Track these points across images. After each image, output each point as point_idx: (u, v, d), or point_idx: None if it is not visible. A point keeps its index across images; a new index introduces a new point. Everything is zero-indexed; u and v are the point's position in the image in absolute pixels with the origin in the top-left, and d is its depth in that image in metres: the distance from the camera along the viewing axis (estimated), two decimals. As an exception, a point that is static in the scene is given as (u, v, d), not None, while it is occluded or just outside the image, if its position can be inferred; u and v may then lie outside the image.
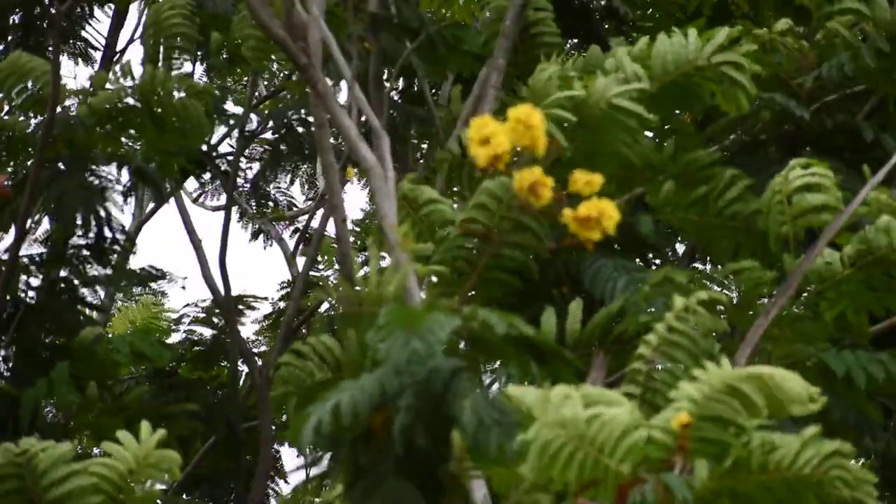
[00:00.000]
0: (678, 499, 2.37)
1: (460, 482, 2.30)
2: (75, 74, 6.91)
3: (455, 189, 5.37)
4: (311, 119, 7.18)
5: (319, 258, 8.97)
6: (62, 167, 5.87)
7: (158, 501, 3.43)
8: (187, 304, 7.91)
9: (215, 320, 7.71)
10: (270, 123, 7.59)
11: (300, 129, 7.56)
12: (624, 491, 2.42)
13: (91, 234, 6.04)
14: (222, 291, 7.15)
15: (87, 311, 6.36)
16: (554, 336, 3.57)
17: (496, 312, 2.04)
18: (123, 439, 3.05)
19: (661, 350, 2.96)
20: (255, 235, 8.88)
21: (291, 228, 9.18)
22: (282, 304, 8.60)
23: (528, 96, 4.07)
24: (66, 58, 7.60)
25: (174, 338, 8.05)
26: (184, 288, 7.88)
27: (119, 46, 7.69)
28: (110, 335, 6.86)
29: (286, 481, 7.94)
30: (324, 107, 4.28)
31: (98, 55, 7.68)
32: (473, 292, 3.57)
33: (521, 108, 2.17)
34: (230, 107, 7.43)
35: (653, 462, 2.45)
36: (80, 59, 7.68)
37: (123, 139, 5.99)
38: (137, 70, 5.90)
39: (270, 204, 8.95)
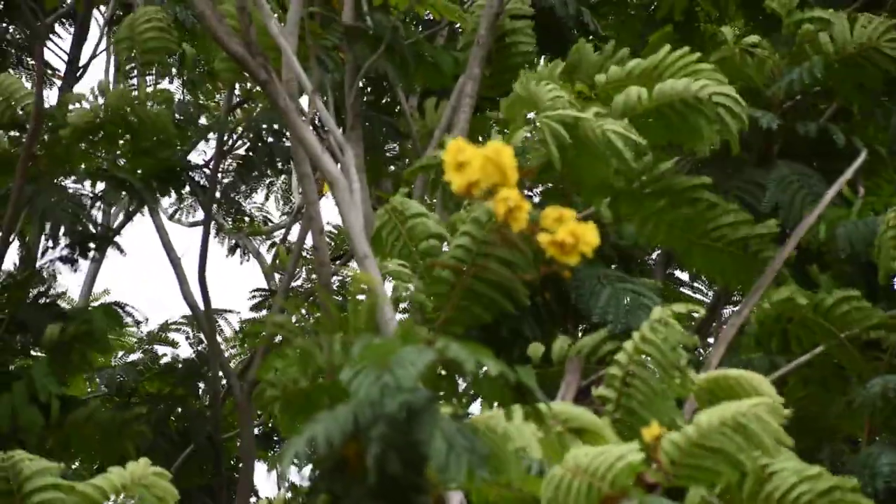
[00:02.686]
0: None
1: (441, 498, 2.32)
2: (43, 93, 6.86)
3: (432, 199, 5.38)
4: (283, 130, 7.18)
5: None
6: (43, 182, 5.87)
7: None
8: (169, 323, 7.89)
9: (191, 334, 7.70)
10: (242, 131, 7.55)
11: (270, 140, 7.51)
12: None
13: (65, 245, 6.04)
14: (201, 306, 7.12)
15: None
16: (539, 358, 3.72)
17: (467, 346, 2.03)
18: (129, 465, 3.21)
19: (635, 359, 3.10)
20: (231, 250, 8.85)
21: (269, 242, 9.15)
22: (253, 315, 8.54)
23: (518, 101, 4.15)
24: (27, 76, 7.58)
25: (137, 356, 8.03)
26: (140, 321, 7.86)
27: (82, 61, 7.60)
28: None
29: (257, 496, 7.93)
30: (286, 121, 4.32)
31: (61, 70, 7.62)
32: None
33: (491, 146, 2.10)
34: (204, 125, 7.41)
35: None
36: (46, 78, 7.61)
37: (100, 153, 5.99)
38: (110, 86, 5.89)
39: (246, 219, 8.91)
